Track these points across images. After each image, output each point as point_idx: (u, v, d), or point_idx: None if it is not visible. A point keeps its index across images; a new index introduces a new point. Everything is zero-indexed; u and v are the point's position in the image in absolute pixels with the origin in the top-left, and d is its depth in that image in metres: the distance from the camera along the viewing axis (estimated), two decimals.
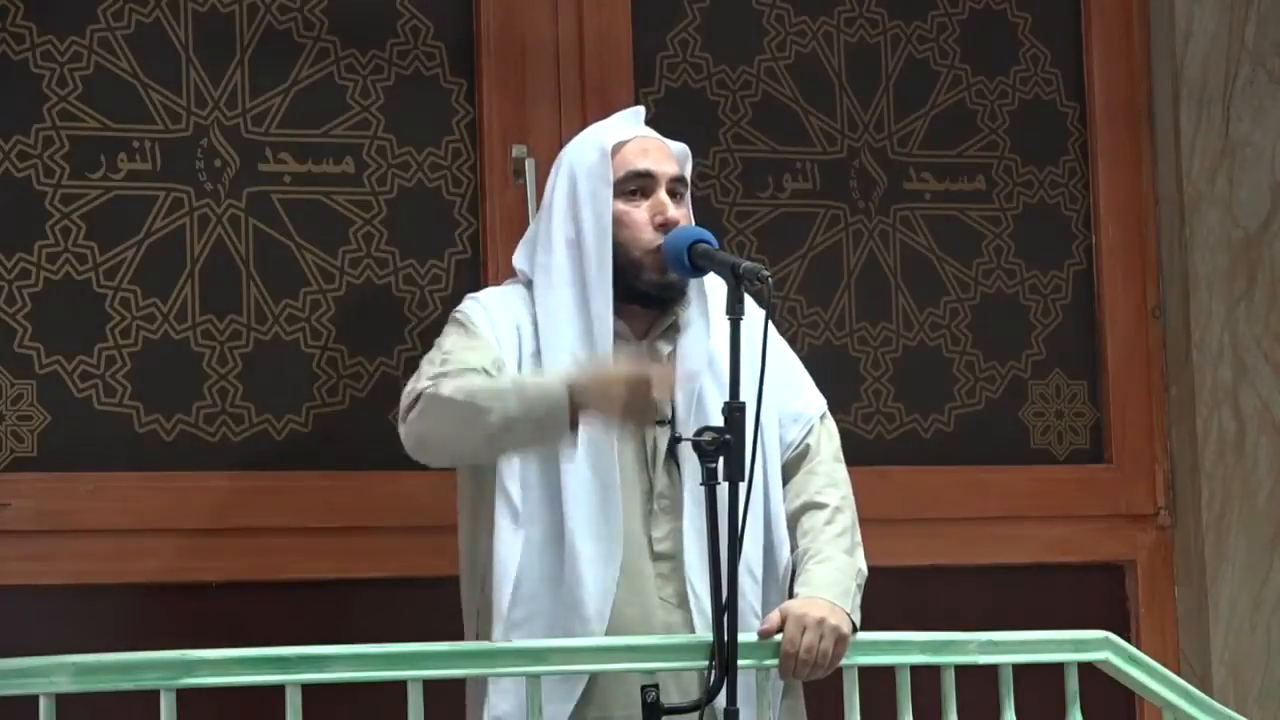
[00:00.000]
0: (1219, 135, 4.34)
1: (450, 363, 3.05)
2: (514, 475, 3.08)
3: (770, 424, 3.16)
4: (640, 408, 2.89)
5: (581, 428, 2.92)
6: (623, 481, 3.08)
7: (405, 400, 3.06)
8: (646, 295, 3.13)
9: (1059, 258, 4.36)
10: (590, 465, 3.06)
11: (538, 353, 3.10)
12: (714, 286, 3.15)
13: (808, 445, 3.21)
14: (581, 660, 2.95)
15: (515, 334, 3.13)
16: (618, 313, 3.10)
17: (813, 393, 3.27)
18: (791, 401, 3.23)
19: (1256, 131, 4.36)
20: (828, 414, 3.27)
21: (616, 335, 3.12)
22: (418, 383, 3.05)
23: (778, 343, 3.25)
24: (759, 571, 3.13)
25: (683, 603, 3.08)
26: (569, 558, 3.05)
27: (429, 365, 3.09)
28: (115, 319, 3.77)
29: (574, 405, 2.89)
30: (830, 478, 3.19)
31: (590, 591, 3.03)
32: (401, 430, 3.07)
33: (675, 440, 3.00)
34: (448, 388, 2.98)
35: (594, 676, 3.02)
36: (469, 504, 3.18)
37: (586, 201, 3.13)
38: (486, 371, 3.04)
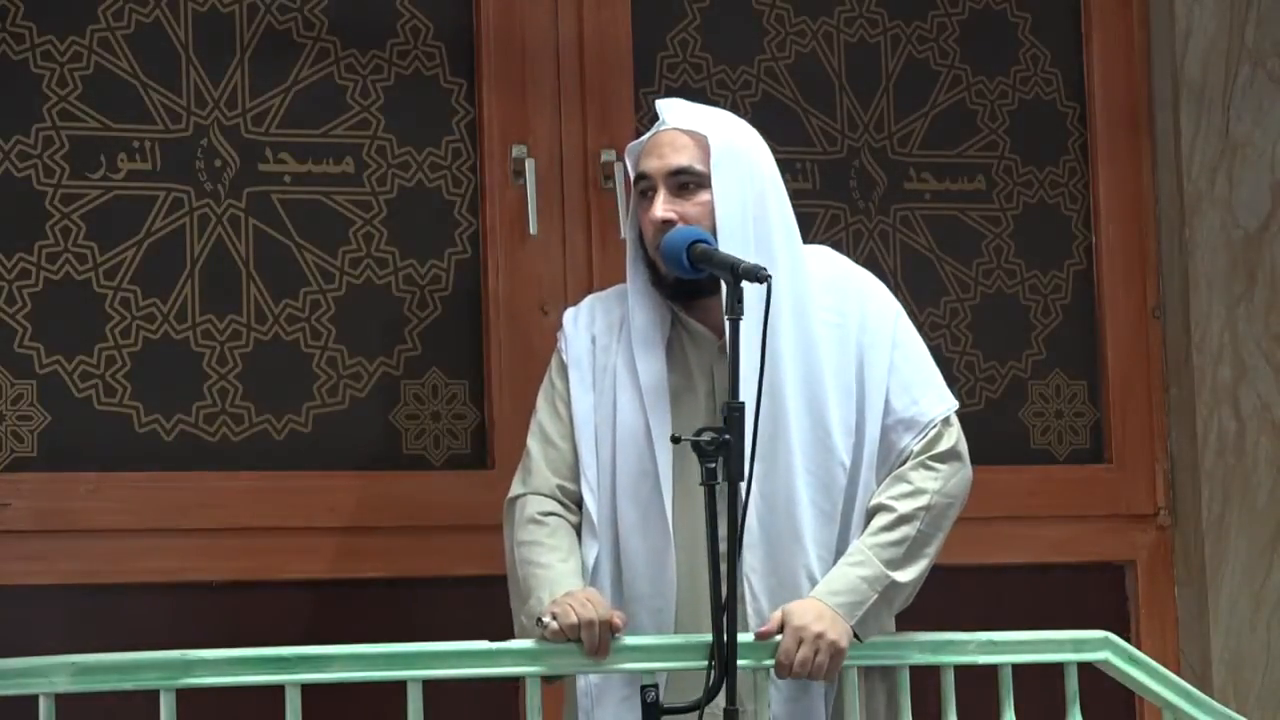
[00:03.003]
0: (1219, 135, 4.34)
1: (528, 479, 3.23)
2: (586, 486, 3.20)
3: (871, 426, 3.16)
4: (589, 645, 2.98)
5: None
6: (687, 473, 3.09)
7: (509, 494, 3.26)
8: (690, 289, 3.15)
9: (1059, 258, 4.36)
10: (638, 467, 3.13)
11: (629, 343, 3.20)
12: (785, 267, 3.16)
13: (912, 450, 3.18)
14: (581, 660, 2.95)
15: (590, 349, 3.24)
16: (693, 309, 3.19)
17: (934, 396, 3.22)
18: (908, 407, 3.19)
19: (1256, 131, 4.36)
20: (952, 418, 3.21)
21: (694, 332, 3.20)
22: (516, 481, 3.26)
23: (896, 346, 3.23)
24: (819, 574, 3.13)
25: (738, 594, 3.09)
26: (624, 559, 3.12)
27: (521, 465, 3.27)
28: (115, 319, 3.77)
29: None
30: (913, 485, 3.14)
31: (648, 588, 3.09)
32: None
33: (673, 440, 3.01)
34: (512, 540, 3.19)
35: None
36: None
37: (630, 207, 3.26)
38: (559, 490, 3.21)
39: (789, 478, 3.09)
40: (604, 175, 3.97)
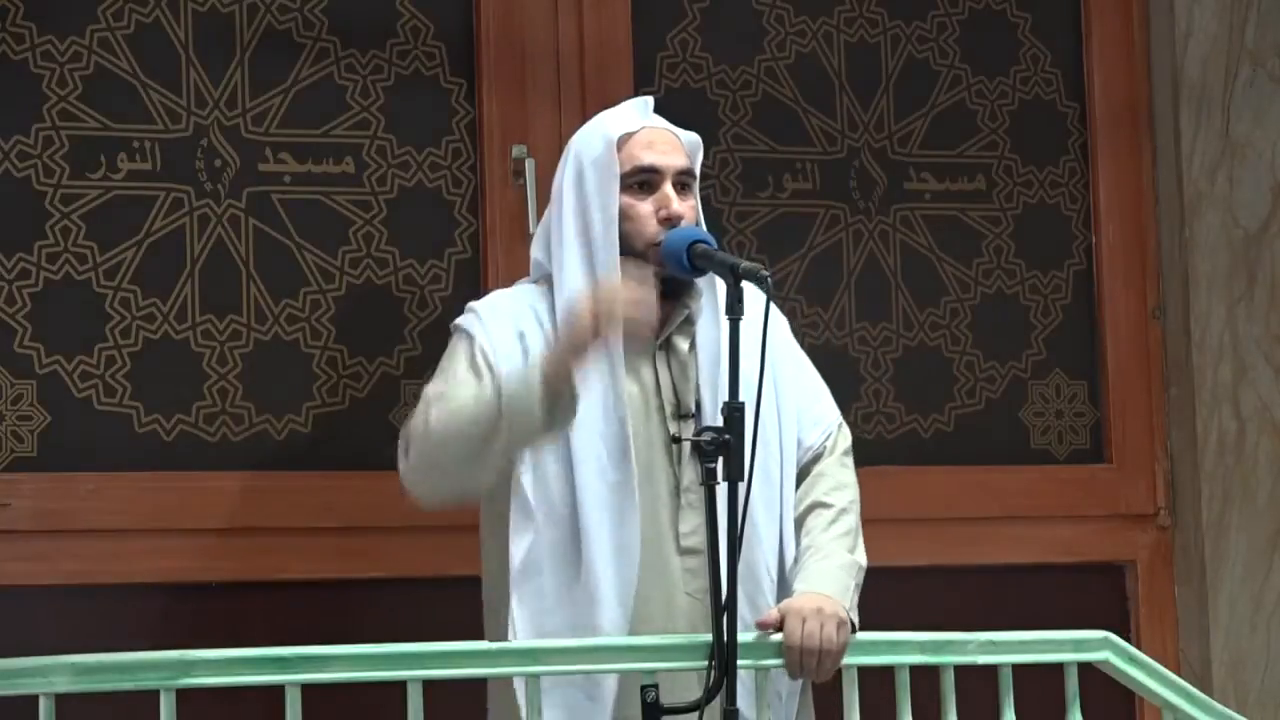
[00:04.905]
0: (1219, 135, 4.34)
1: (441, 398, 3.06)
2: (528, 470, 3.10)
3: (789, 425, 3.21)
4: (610, 312, 2.90)
5: (579, 396, 2.95)
6: (652, 476, 3.10)
7: (401, 443, 3.08)
8: (673, 288, 3.13)
9: (1059, 258, 4.36)
10: (606, 457, 3.08)
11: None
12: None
13: (824, 448, 3.25)
14: (581, 660, 2.94)
15: (517, 341, 3.13)
16: None
17: (829, 398, 3.32)
18: (813, 406, 3.26)
19: (1256, 131, 4.36)
20: (843, 421, 3.32)
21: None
22: (411, 421, 3.07)
23: (796, 350, 3.32)
24: (775, 570, 3.15)
25: (708, 597, 3.07)
26: (585, 552, 3.06)
27: (421, 403, 3.09)
28: (115, 319, 3.77)
29: (551, 374, 2.92)
30: (838, 480, 3.23)
31: (608, 586, 3.05)
32: (403, 475, 3.08)
33: (674, 440, 3.00)
34: (433, 418, 3.01)
35: (621, 677, 3.03)
36: (488, 501, 3.18)
37: (594, 194, 3.14)
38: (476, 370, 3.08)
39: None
40: None
